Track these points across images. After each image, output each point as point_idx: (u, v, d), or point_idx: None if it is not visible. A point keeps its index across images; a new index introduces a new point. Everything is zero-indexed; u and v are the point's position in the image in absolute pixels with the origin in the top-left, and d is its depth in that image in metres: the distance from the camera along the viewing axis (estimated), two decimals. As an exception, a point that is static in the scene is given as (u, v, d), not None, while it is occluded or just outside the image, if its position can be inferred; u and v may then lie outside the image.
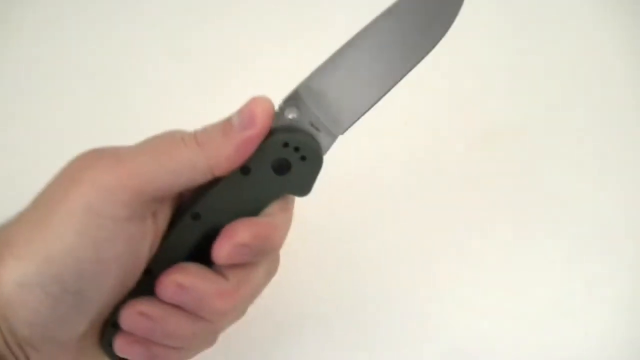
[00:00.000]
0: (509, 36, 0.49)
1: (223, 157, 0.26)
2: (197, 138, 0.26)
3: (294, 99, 0.27)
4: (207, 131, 0.26)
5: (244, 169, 0.27)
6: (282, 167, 0.27)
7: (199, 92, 0.48)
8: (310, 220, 0.36)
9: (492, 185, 0.44)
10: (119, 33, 0.51)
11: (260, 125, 0.26)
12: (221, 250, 0.26)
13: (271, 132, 0.27)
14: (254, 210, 0.28)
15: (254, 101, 0.26)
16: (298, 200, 0.29)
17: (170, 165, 0.25)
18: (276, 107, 0.27)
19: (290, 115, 0.27)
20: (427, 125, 0.45)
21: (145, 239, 0.26)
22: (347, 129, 0.28)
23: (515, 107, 0.46)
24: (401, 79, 0.28)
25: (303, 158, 0.27)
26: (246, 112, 0.26)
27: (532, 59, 0.48)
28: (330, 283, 0.40)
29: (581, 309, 0.39)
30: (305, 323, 0.39)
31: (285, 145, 0.27)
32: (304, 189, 0.28)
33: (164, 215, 0.27)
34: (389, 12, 0.27)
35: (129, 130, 0.43)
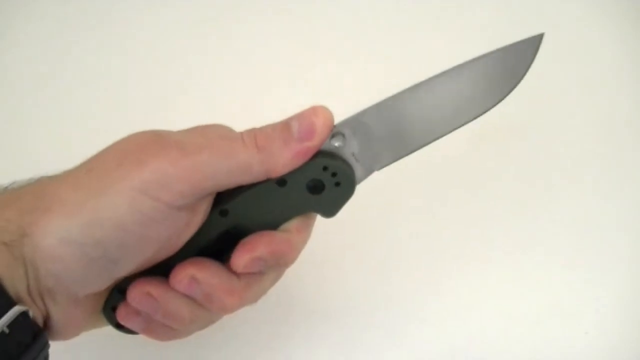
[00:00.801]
0: (509, 36, 0.49)
1: (280, 164, 0.27)
2: (257, 140, 0.27)
3: (343, 128, 0.28)
4: (266, 134, 0.27)
5: (281, 181, 0.28)
6: (316, 187, 0.28)
7: (200, 93, 0.48)
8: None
9: (492, 185, 0.44)
10: (120, 33, 0.51)
11: (319, 138, 0.27)
12: (240, 260, 0.27)
13: (316, 153, 0.28)
14: (278, 220, 0.29)
15: (315, 111, 0.27)
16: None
17: (231, 165, 0.26)
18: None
19: (336, 143, 0.28)
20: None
21: (187, 228, 0.27)
22: (383, 167, 0.29)
23: (516, 107, 0.46)
24: (450, 133, 0.29)
25: (337, 184, 0.28)
26: (307, 123, 0.27)
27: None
28: (331, 283, 0.40)
29: (581, 309, 0.39)
30: (307, 322, 0.39)
31: (325, 169, 0.28)
32: (331, 211, 0.29)
33: (205, 208, 0.28)
34: (453, 71, 0.28)
35: (129, 130, 0.43)
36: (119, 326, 0.30)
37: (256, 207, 0.28)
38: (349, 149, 0.28)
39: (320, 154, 0.28)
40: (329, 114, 0.27)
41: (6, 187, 0.27)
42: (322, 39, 0.51)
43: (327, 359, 0.38)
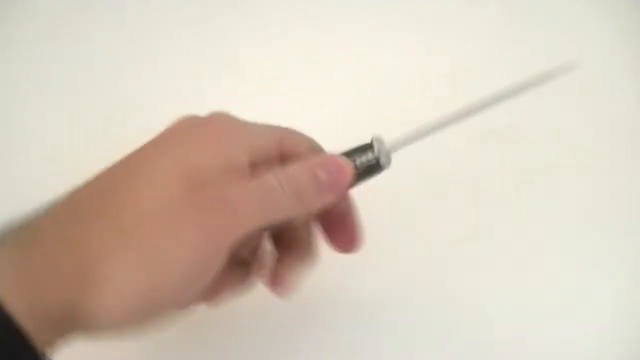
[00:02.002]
0: (509, 36, 0.49)
1: (314, 209, 0.28)
2: (295, 191, 0.27)
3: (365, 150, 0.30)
4: (300, 184, 0.27)
5: None
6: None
7: (199, 91, 0.48)
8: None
9: (492, 185, 0.44)
10: (119, 33, 0.51)
11: (345, 189, 0.29)
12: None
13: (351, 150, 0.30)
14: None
15: (340, 168, 0.28)
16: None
17: (277, 219, 0.27)
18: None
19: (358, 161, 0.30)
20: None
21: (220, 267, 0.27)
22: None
23: (516, 107, 0.46)
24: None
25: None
26: (334, 176, 0.28)
27: (532, 59, 0.48)
28: (332, 284, 0.40)
29: (581, 309, 0.39)
30: (310, 323, 0.39)
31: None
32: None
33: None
34: (494, 97, 0.31)
35: (130, 128, 0.43)
36: None
37: None
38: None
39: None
40: (349, 170, 0.29)
41: (33, 230, 0.25)
42: (323, 36, 0.51)
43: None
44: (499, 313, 0.39)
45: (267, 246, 0.32)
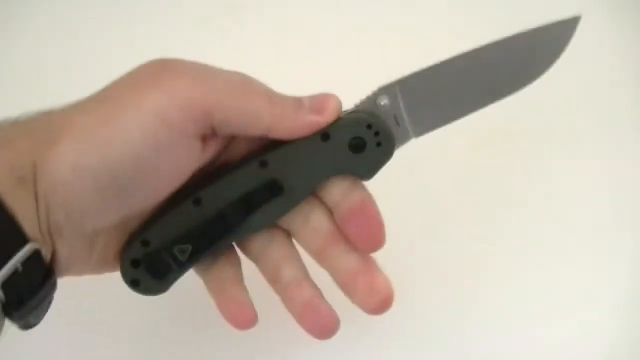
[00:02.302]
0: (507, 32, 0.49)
1: (284, 126, 0.27)
2: (271, 97, 0.27)
3: (390, 90, 0.29)
4: (280, 96, 0.27)
5: (324, 136, 0.28)
6: (358, 146, 0.28)
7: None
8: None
9: (493, 186, 0.44)
10: (119, 33, 0.51)
11: (327, 117, 0.28)
12: None
13: (358, 111, 0.29)
14: (317, 178, 0.29)
15: (326, 95, 0.28)
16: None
17: (243, 106, 0.26)
18: (372, 91, 0.29)
19: (383, 102, 0.28)
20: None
21: (197, 162, 0.27)
22: (422, 134, 0.30)
23: (516, 107, 0.46)
24: (490, 104, 0.30)
25: (379, 144, 0.28)
26: (318, 101, 0.28)
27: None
28: (332, 285, 0.40)
29: (581, 309, 0.39)
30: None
31: (369, 127, 0.28)
32: (369, 173, 0.29)
33: (216, 148, 0.28)
34: (501, 42, 0.29)
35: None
36: (134, 283, 0.29)
37: (297, 160, 0.28)
38: (393, 110, 0.29)
39: (364, 112, 0.28)
40: (338, 99, 0.28)
41: (17, 119, 0.26)
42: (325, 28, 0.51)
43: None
44: (499, 313, 0.39)
45: None
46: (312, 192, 0.29)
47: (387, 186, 0.41)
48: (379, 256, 0.40)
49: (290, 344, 0.37)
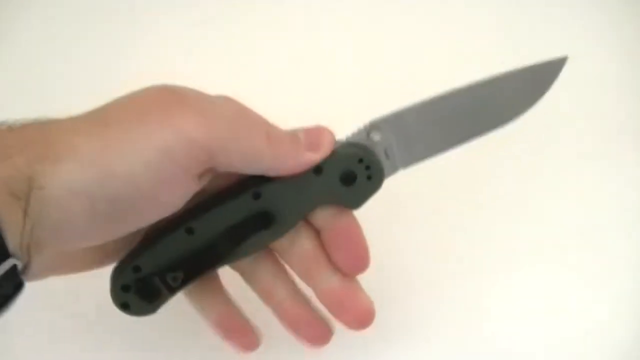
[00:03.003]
0: (509, 36, 0.49)
1: (283, 167, 0.28)
2: (269, 133, 0.27)
3: (382, 124, 0.30)
4: (277, 133, 0.28)
5: (317, 169, 0.29)
6: (348, 179, 0.29)
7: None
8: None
9: (492, 186, 0.44)
10: (120, 32, 0.51)
11: (323, 154, 0.28)
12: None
13: (350, 145, 0.30)
14: (307, 208, 0.30)
15: (320, 130, 0.29)
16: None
17: (245, 147, 0.27)
18: (364, 124, 0.30)
19: (375, 137, 0.30)
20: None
21: (192, 191, 0.27)
22: (409, 166, 0.31)
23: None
24: (476, 138, 0.31)
25: (369, 177, 0.30)
26: (314, 136, 0.28)
27: (531, 59, 0.48)
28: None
29: (581, 309, 0.39)
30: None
31: (360, 161, 0.29)
32: (357, 204, 0.30)
33: (206, 180, 0.28)
34: (489, 80, 0.31)
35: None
36: (124, 306, 0.29)
37: (290, 193, 0.29)
38: (384, 144, 0.30)
39: (356, 145, 0.30)
40: (332, 135, 0.29)
41: (10, 126, 0.25)
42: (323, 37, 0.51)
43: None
44: (498, 312, 0.39)
45: None
46: (301, 219, 0.30)
47: (386, 186, 0.41)
48: (377, 256, 0.41)
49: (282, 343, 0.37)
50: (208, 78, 0.48)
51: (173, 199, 0.27)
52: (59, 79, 0.50)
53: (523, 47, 0.48)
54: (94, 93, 0.48)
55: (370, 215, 0.42)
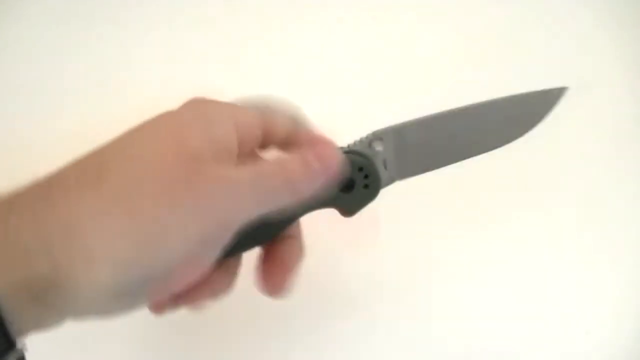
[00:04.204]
0: (508, 36, 0.49)
1: (302, 197, 0.27)
2: (286, 174, 0.26)
3: (384, 135, 0.31)
4: (289, 166, 0.27)
5: None
6: (347, 186, 0.30)
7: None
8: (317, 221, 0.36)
9: (493, 186, 0.44)
10: (120, 33, 0.51)
11: (333, 173, 0.28)
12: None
13: (352, 152, 0.30)
14: (304, 211, 0.30)
15: (328, 149, 0.28)
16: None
17: (270, 204, 0.26)
18: (366, 134, 0.31)
19: (377, 147, 0.30)
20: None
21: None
22: (406, 178, 0.32)
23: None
24: (472, 157, 0.32)
25: (366, 186, 0.30)
26: (323, 158, 0.28)
27: (531, 59, 0.48)
28: (331, 286, 0.40)
29: (581, 309, 0.39)
30: (315, 322, 0.39)
31: (360, 169, 0.30)
32: (352, 211, 0.31)
33: None
34: (489, 103, 0.32)
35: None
36: None
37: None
38: (383, 155, 0.31)
39: (358, 154, 0.30)
40: (338, 151, 0.29)
41: (11, 205, 0.23)
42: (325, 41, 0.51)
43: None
44: (497, 311, 0.39)
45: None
46: (294, 222, 0.30)
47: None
48: (377, 254, 0.41)
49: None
50: (208, 79, 0.48)
51: (201, 271, 0.26)
52: (57, 79, 0.49)
53: (525, 50, 0.48)
54: (94, 93, 0.49)
55: (368, 215, 0.42)
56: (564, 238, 0.41)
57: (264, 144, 0.29)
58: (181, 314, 0.36)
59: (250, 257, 0.32)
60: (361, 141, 0.31)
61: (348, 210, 0.31)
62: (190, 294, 0.27)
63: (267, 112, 0.28)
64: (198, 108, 0.27)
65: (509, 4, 0.51)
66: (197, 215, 0.24)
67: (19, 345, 0.22)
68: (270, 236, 0.30)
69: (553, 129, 0.46)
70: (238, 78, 0.49)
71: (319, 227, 0.32)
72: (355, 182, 0.30)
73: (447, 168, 0.44)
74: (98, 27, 0.51)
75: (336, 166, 0.28)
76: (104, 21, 0.52)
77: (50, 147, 0.46)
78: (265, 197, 0.26)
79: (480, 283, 0.40)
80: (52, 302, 0.22)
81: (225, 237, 0.25)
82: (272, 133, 0.28)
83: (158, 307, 0.28)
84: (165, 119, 0.26)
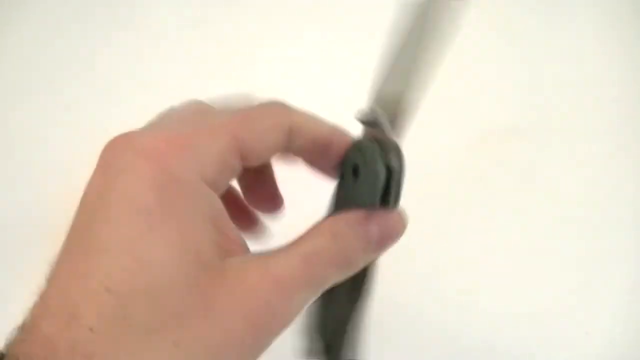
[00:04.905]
0: (508, 37, 0.49)
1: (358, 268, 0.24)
2: (346, 257, 0.23)
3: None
4: (354, 249, 0.23)
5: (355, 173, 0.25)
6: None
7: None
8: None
9: (492, 186, 0.44)
10: (120, 33, 0.51)
11: (393, 244, 0.24)
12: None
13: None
14: None
15: (396, 224, 0.24)
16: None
17: (319, 289, 0.23)
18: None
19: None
20: (427, 126, 0.45)
21: None
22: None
23: (515, 107, 0.46)
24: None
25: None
26: (387, 236, 0.24)
27: (531, 59, 0.48)
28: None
29: (581, 309, 0.39)
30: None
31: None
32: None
33: None
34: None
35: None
36: None
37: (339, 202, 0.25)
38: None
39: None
40: (405, 225, 0.25)
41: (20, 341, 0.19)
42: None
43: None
44: (497, 312, 0.39)
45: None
46: None
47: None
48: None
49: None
50: (207, 81, 0.49)
51: None
52: (56, 80, 0.50)
53: (526, 47, 0.48)
54: (94, 93, 0.49)
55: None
56: (564, 238, 0.41)
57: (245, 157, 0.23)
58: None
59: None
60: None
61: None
62: None
63: (246, 126, 0.23)
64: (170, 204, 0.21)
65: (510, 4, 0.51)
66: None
67: None
68: None
69: (552, 129, 0.46)
70: (237, 78, 0.49)
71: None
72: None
73: (447, 169, 0.44)
74: (98, 27, 0.52)
75: (400, 236, 0.24)
76: (105, 21, 0.52)
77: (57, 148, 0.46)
78: (319, 287, 0.22)
79: (480, 283, 0.40)
80: None
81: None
82: (254, 147, 0.23)
83: None
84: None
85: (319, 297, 0.24)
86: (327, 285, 0.23)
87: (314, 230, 0.23)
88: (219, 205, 0.22)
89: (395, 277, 0.40)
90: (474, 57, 0.48)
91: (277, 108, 0.24)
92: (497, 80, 0.47)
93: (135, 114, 0.48)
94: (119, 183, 0.20)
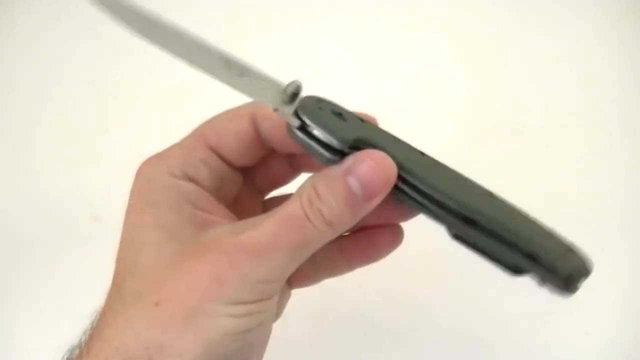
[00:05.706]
0: (508, 37, 0.49)
1: (346, 228, 0.24)
2: (325, 217, 0.23)
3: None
4: (331, 209, 0.23)
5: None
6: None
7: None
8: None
9: (492, 186, 0.44)
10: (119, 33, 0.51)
11: (381, 198, 0.24)
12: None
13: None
14: None
15: (374, 168, 0.23)
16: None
17: (307, 254, 0.24)
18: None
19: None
20: (427, 125, 0.45)
21: None
22: None
23: (516, 107, 0.46)
24: None
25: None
26: (367, 183, 0.23)
27: (531, 59, 0.48)
28: (330, 287, 0.40)
29: (581, 309, 0.39)
30: (317, 322, 0.39)
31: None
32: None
33: None
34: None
35: (130, 128, 0.43)
36: None
37: None
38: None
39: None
40: (391, 167, 0.24)
41: None
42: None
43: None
44: (497, 312, 0.39)
45: None
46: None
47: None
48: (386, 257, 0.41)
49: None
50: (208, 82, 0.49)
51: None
52: (58, 78, 0.50)
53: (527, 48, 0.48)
54: (94, 92, 0.49)
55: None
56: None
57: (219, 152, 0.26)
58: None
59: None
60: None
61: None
62: None
63: (209, 127, 0.26)
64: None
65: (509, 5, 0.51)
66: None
67: None
68: None
69: (553, 128, 0.46)
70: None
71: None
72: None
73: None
74: (98, 27, 0.52)
75: (390, 182, 0.24)
76: (103, 21, 0.52)
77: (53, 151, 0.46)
78: (296, 251, 0.23)
79: (480, 283, 0.40)
80: None
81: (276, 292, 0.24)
82: (222, 142, 0.26)
83: None
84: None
85: None
86: (310, 248, 0.23)
87: (292, 196, 0.24)
88: (191, 189, 0.25)
89: (395, 276, 0.40)
90: (474, 57, 0.48)
91: (238, 106, 0.26)
92: (497, 80, 0.47)
93: (135, 112, 0.48)
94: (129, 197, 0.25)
